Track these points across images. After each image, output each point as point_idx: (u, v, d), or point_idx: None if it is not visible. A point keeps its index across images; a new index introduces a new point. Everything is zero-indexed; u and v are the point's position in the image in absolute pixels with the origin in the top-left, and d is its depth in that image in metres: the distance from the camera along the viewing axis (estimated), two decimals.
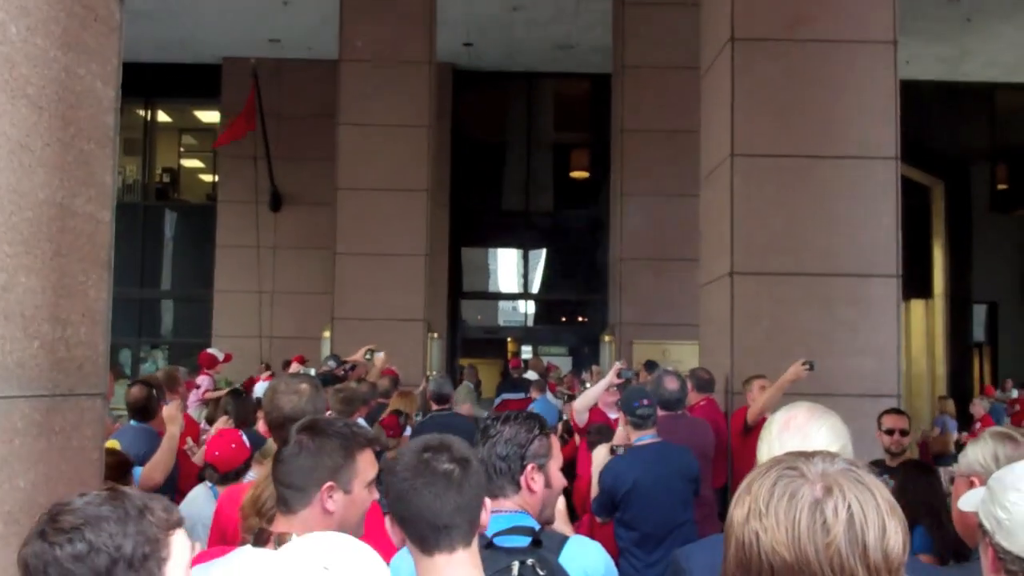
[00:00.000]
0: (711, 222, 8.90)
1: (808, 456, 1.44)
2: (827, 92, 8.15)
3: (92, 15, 2.50)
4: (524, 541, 2.73)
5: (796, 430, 2.58)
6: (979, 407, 13.13)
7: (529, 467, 2.94)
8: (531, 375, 13.24)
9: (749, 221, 8.12)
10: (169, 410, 5.78)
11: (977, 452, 2.75)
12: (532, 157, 21.98)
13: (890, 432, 6.06)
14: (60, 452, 2.36)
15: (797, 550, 1.33)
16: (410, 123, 13.56)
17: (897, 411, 6.30)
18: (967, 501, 2.24)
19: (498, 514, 2.83)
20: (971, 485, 2.80)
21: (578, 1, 16.86)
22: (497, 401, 12.01)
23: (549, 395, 12.65)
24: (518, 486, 2.92)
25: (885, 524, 1.36)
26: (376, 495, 2.70)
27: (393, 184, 13.39)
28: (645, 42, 14.69)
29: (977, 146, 20.33)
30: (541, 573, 2.62)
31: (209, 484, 4.84)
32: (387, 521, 2.30)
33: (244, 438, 4.38)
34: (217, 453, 4.79)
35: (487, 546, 2.68)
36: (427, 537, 2.21)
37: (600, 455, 5.72)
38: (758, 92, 8.18)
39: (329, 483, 2.66)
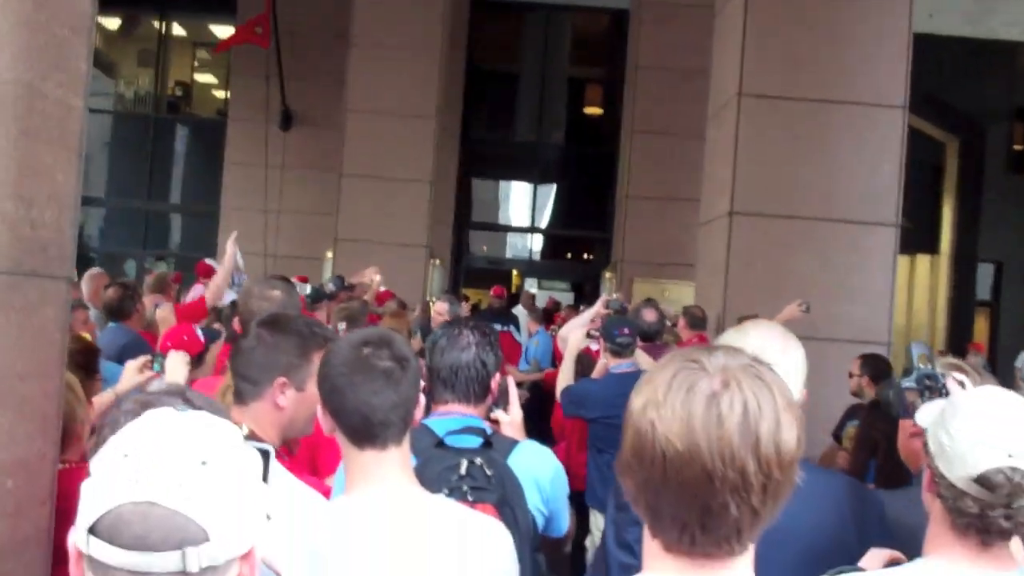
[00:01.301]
0: (714, 161, 8.88)
1: (712, 350, 1.45)
2: (839, 36, 8.06)
3: None
4: (475, 442, 2.79)
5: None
6: (971, 363, 13.14)
7: (498, 374, 3.03)
8: (520, 311, 13.03)
9: (751, 162, 8.09)
10: (161, 312, 5.89)
11: None
12: (546, 90, 21.84)
13: (851, 374, 6.23)
14: (19, 328, 2.39)
15: (690, 441, 1.35)
16: (423, 47, 13.48)
17: (864, 356, 6.39)
18: (924, 414, 2.24)
19: (451, 415, 2.90)
20: None
21: None
22: None
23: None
24: (488, 392, 2.99)
25: (779, 419, 1.37)
26: None
27: (402, 108, 13.34)
28: None
29: (996, 105, 20.10)
30: (489, 473, 2.67)
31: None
32: (319, 409, 2.33)
33: (198, 331, 4.42)
34: (169, 344, 4.87)
35: (438, 445, 2.74)
36: (360, 432, 2.22)
37: (576, 337, 5.78)
38: (769, 32, 8.11)
39: (282, 379, 2.70)
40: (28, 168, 2.36)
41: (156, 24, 21.38)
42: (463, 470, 2.65)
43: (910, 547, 2.21)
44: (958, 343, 17.81)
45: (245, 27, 16.27)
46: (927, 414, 2.18)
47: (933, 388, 2.59)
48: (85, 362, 3.86)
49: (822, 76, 8.06)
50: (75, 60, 2.56)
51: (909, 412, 2.67)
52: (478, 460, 2.68)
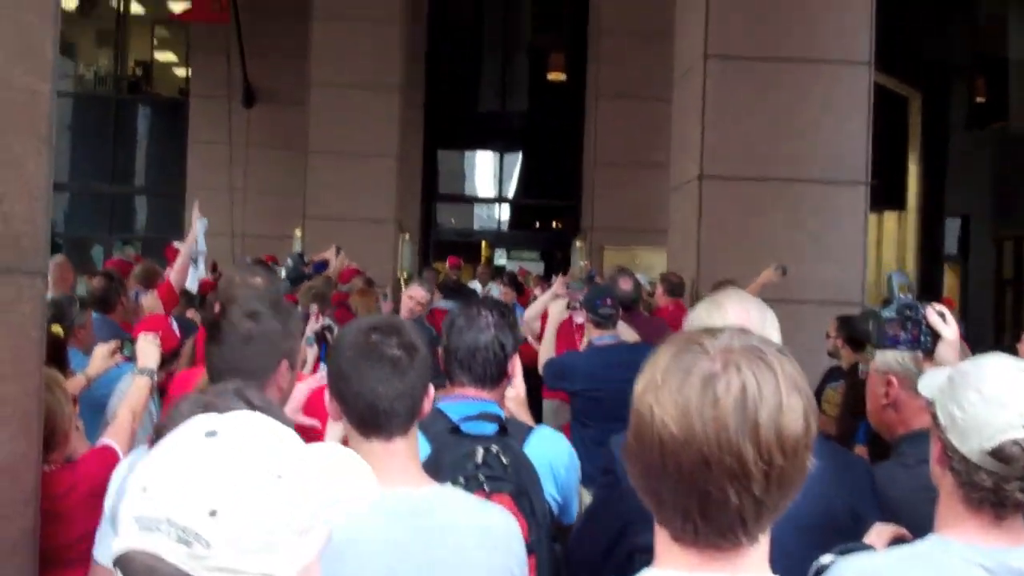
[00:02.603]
0: (682, 125, 8.85)
1: (716, 332, 1.41)
2: None
3: None
4: (490, 428, 2.74)
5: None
6: None
7: (515, 356, 2.98)
8: (476, 286, 11.91)
9: (719, 124, 8.07)
10: (148, 300, 5.83)
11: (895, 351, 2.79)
12: (509, 59, 21.74)
13: (827, 335, 6.30)
14: None
15: (685, 425, 1.31)
16: (384, 19, 13.38)
17: (840, 318, 6.46)
18: (926, 384, 2.21)
19: (466, 400, 2.85)
20: (888, 384, 2.86)
21: None
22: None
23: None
24: (504, 375, 2.93)
25: (782, 402, 1.32)
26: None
27: (366, 82, 13.25)
28: None
29: (958, 58, 20.15)
30: (505, 461, 2.62)
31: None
32: (327, 395, 2.29)
33: (173, 324, 4.33)
34: None
35: (452, 431, 2.69)
36: (365, 420, 2.18)
37: (556, 309, 5.73)
38: None
39: (285, 361, 2.72)
40: None
41: (113, 3, 21.09)
42: (479, 458, 2.60)
43: (895, 521, 2.21)
44: (928, 298, 17.93)
45: (204, 2, 16.10)
46: (931, 384, 2.15)
47: (913, 319, 2.57)
48: (54, 355, 3.79)
49: (787, 34, 8.04)
50: (41, 46, 2.51)
51: (889, 343, 2.65)
52: (494, 448, 2.63)
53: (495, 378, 2.88)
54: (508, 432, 2.74)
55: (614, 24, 14.68)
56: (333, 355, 2.25)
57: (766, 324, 2.55)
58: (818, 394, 6.21)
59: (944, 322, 2.55)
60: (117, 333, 5.65)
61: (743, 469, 1.30)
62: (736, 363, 1.33)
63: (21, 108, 2.41)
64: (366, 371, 2.16)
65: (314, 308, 6.05)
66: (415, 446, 2.25)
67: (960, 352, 2.66)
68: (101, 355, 4.01)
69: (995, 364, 2.01)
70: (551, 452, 2.87)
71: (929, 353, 2.55)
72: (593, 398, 5.45)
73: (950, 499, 2.00)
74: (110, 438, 3.36)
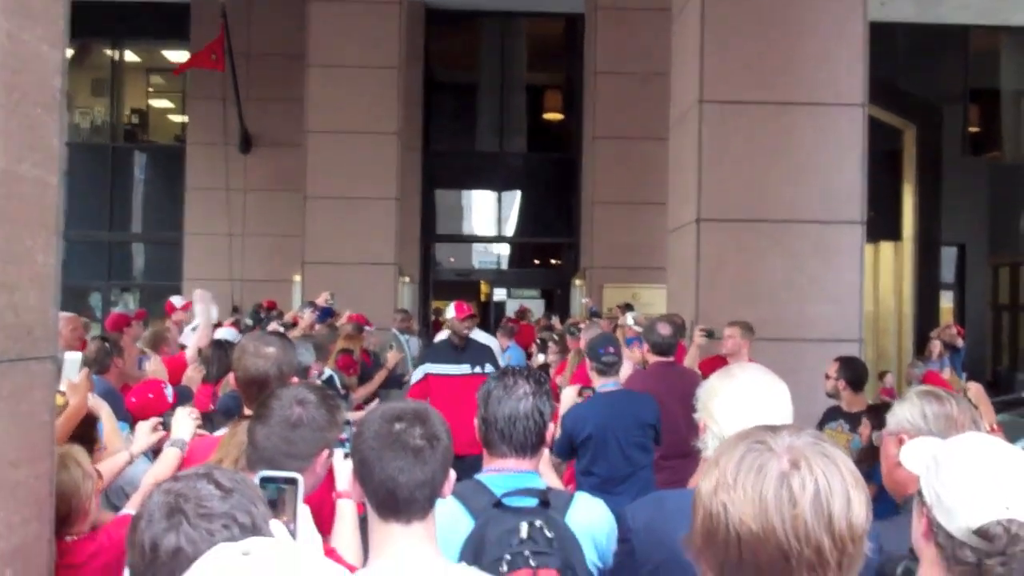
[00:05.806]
0: (679, 169, 8.92)
1: (775, 430, 1.51)
2: (795, 38, 8.12)
3: None
4: (532, 501, 2.76)
5: (761, 412, 2.55)
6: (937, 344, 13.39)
7: (551, 424, 2.99)
8: (483, 337, 8.88)
9: (716, 168, 8.13)
10: (151, 365, 5.86)
11: (904, 410, 2.83)
12: (506, 98, 21.85)
13: (827, 376, 6.37)
14: (9, 417, 2.37)
15: (764, 521, 1.41)
16: (380, 64, 13.49)
17: (841, 359, 6.49)
18: (910, 456, 2.27)
19: (506, 471, 2.87)
20: (900, 443, 2.89)
21: None
22: (418, 376, 8.04)
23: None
24: (543, 443, 2.95)
25: (850, 496, 1.44)
26: None
27: (363, 127, 13.34)
28: None
29: (950, 89, 20.30)
30: (549, 535, 2.67)
31: (128, 434, 4.52)
32: (350, 476, 2.35)
33: (166, 390, 4.32)
34: (134, 400, 4.70)
35: (495, 505, 2.73)
36: (386, 505, 2.22)
37: (568, 396, 5.75)
38: (727, 38, 8.14)
39: (326, 450, 2.80)
40: (9, 254, 2.35)
41: (109, 52, 21.23)
42: (523, 533, 2.64)
43: None
44: (925, 327, 17.98)
45: (201, 53, 16.19)
46: (916, 457, 2.20)
47: None
48: (83, 433, 3.81)
49: (781, 78, 8.11)
50: (48, 138, 2.55)
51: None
52: (538, 522, 2.67)
53: (535, 447, 2.90)
54: (550, 504, 2.76)
55: (609, 65, 14.79)
56: (357, 441, 2.28)
57: (775, 385, 2.60)
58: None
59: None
60: (111, 394, 5.68)
61: (820, 559, 1.42)
62: (805, 460, 1.45)
63: (31, 201, 2.45)
64: (388, 460, 2.21)
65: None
66: (432, 528, 2.29)
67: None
68: (144, 432, 3.98)
69: (978, 445, 2.06)
70: (591, 520, 2.89)
71: None
72: (601, 442, 5.47)
73: (932, 569, 2.06)
74: (133, 508, 3.38)
